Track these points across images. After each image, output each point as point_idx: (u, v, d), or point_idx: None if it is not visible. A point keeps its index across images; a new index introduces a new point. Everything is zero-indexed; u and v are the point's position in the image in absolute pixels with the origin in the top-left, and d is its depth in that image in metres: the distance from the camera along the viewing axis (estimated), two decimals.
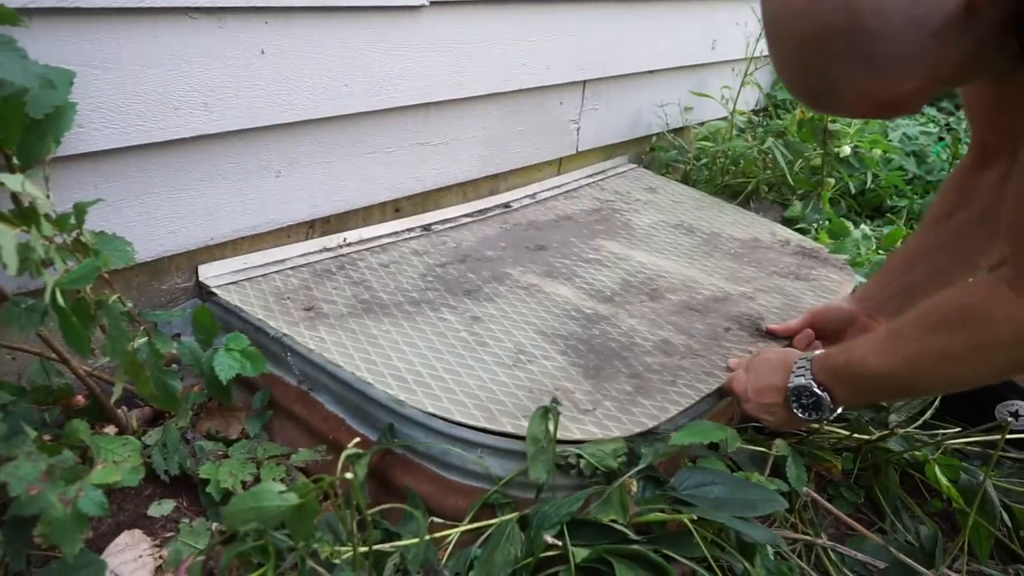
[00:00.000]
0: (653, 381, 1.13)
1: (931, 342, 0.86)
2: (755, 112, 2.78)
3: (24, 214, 0.79)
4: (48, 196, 0.81)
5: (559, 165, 2.09)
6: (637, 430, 1.01)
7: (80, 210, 0.86)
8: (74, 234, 0.87)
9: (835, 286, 1.51)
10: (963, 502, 1.05)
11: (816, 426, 1.18)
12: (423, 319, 1.26)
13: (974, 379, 0.85)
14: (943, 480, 1.06)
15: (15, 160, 0.89)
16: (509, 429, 0.98)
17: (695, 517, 0.87)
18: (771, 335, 1.29)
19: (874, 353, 0.93)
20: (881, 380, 0.93)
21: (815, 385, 0.98)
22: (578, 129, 2.05)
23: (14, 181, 0.75)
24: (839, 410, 1.01)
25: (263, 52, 1.25)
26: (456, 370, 1.12)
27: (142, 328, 0.98)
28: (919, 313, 0.91)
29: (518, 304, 1.34)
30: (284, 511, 0.66)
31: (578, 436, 0.98)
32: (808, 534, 1.06)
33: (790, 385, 1.00)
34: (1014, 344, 0.78)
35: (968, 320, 0.82)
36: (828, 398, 0.97)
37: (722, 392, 1.13)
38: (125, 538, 1.02)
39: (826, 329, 1.23)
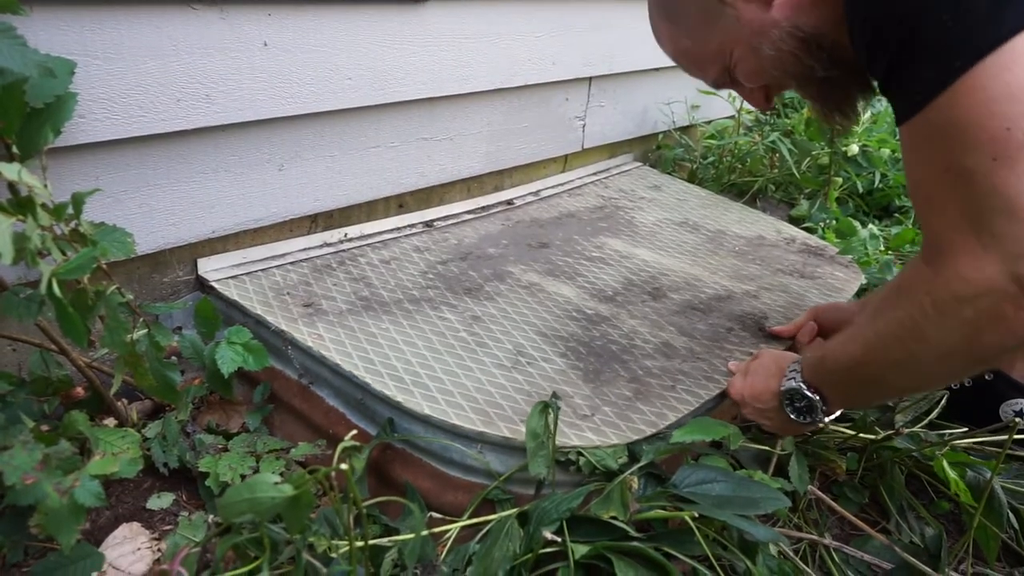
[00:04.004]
0: (652, 386, 1.11)
1: (877, 324, 0.87)
2: (763, 111, 2.76)
3: (21, 203, 0.78)
4: (46, 186, 0.81)
5: (564, 162, 2.08)
6: (635, 437, 0.99)
7: (78, 200, 0.86)
8: (72, 224, 0.86)
9: (841, 284, 1.50)
10: (971, 497, 1.03)
11: (816, 429, 1.17)
12: (423, 318, 1.25)
13: (927, 363, 0.82)
14: (951, 474, 1.04)
15: (15, 149, 0.89)
16: (506, 434, 0.97)
17: (696, 515, 0.86)
18: (774, 337, 1.27)
19: (840, 345, 0.94)
20: (849, 372, 0.92)
21: (805, 388, 0.97)
22: (584, 126, 2.04)
23: (10, 170, 0.74)
24: (835, 413, 1.00)
25: (266, 44, 1.25)
26: (455, 372, 1.11)
27: (142, 320, 0.98)
28: (873, 301, 0.92)
29: (519, 304, 1.33)
30: (279, 503, 0.65)
31: (576, 443, 0.97)
32: (812, 534, 1.04)
33: (782, 389, 1.00)
34: (936, 315, 0.78)
35: (899, 297, 0.84)
36: (819, 400, 0.96)
37: (723, 396, 1.12)
38: (123, 531, 1.01)
39: (828, 326, 1.22)
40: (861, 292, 1.52)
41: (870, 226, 1.95)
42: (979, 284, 0.73)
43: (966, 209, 0.74)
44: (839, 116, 0.96)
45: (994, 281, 0.72)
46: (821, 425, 1.02)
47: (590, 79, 1.98)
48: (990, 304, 0.73)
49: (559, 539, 0.85)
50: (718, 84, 1.02)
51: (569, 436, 0.98)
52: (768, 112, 2.76)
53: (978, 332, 0.75)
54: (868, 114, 2.23)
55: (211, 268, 1.33)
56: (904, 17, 0.74)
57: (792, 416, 0.99)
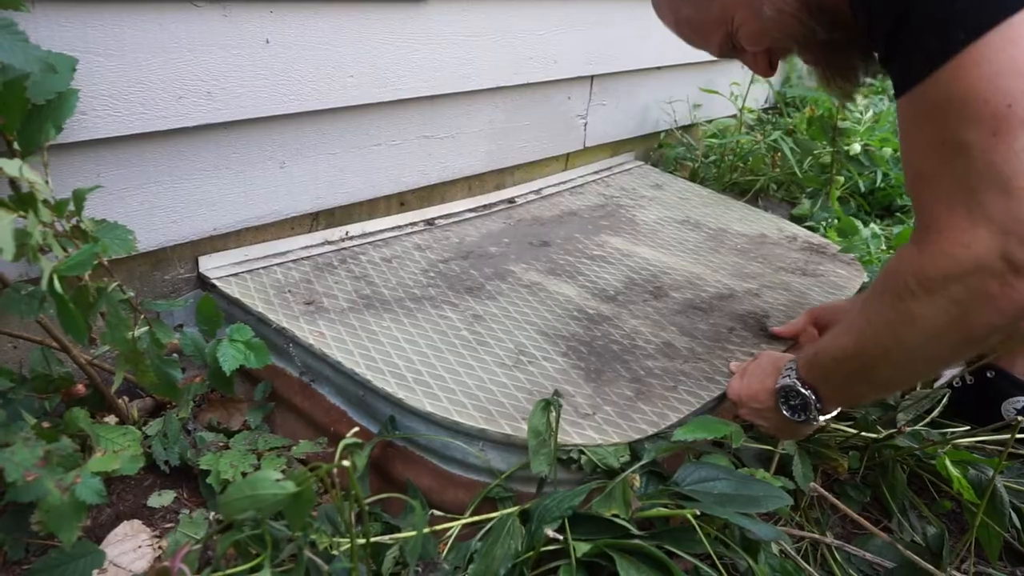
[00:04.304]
0: (654, 386, 1.11)
1: (867, 312, 0.86)
2: (765, 110, 2.76)
3: (22, 200, 0.78)
4: (47, 182, 0.81)
5: (566, 161, 2.08)
6: (637, 436, 0.99)
7: (79, 196, 0.85)
8: (74, 221, 0.86)
9: (843, 281, 1.50)
10: (973, 495, 1.03)
11: (812, 432, 1.15)
12: (424, 316, 1.25)
13: (917, 346, 0.81)
14: (953, 472, 1.03)
15: (16, 145, 0.89)
16: (507, 431, 0.97)
17: (698, 513, 0.85)
18: (775, 338, 1.27)
19: (832, 338, 0.93)
20: (841, 364, 0.91)
21: (799, 384, 0.96)
22: (585, 124, 2.04)
23: (12, 166, 0.74)
24: (831, 414, 0.99)
25: (268, 41, 1.25)
26: (456, 369, 1.11)
27: (143, 317, 0.97)
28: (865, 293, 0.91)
29: (520, 303, 1.33)
30: (281, 499, 0.65)
31: (578, 441, 0.97)
32: (814, 532, 1.04)
33: (777, 386, 0.99)
34: (923, 293, 0.76)
35: (888, 282, 0.82)
36: (813, 397, 0.95)
37: (724, 397, 1.12)
38: (124, 528, 1.01)
39: (828, 327, 1.21)
40: (863, 290, 1.52)
41: (872, 225, 1.94)
42: (967, 261, 0.72)
43: (959, 184, 0.73)
44: (841, 80, 0.95)
45: (982, 258, 0.71)
46: (816, 425, 1.01)
47: (592, 77, 1.98)
48: (978, 282, 0.72)
49: (561, 537, 0.84)
50: (722, 52, 1.01)
51: (571, 434, 0.98)
52: (770, 111, 2.76)
53: (966, 311, 0.74)
54: (871, 113, 2.22)
55: (212, 266, 1.33)
56: None
57: (787, 414, 0.98)
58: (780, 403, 0.99)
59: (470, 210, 1.74)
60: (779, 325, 1.28)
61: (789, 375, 0.98)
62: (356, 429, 0.77)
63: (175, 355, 1.08)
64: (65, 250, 0.83)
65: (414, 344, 1.16)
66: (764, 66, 1.00)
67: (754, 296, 1.41)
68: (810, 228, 1.97)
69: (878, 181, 2.22)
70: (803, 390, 0.96)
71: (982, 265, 0.71)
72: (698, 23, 0.99)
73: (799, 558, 0.97)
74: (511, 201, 1.82)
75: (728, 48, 0.99)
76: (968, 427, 1.18)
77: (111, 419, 1.12)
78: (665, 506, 0.89)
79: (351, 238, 1.53)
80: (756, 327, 1.30)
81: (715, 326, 1.29)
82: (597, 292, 1.39)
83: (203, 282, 1.33)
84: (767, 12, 0.89)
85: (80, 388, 1.10)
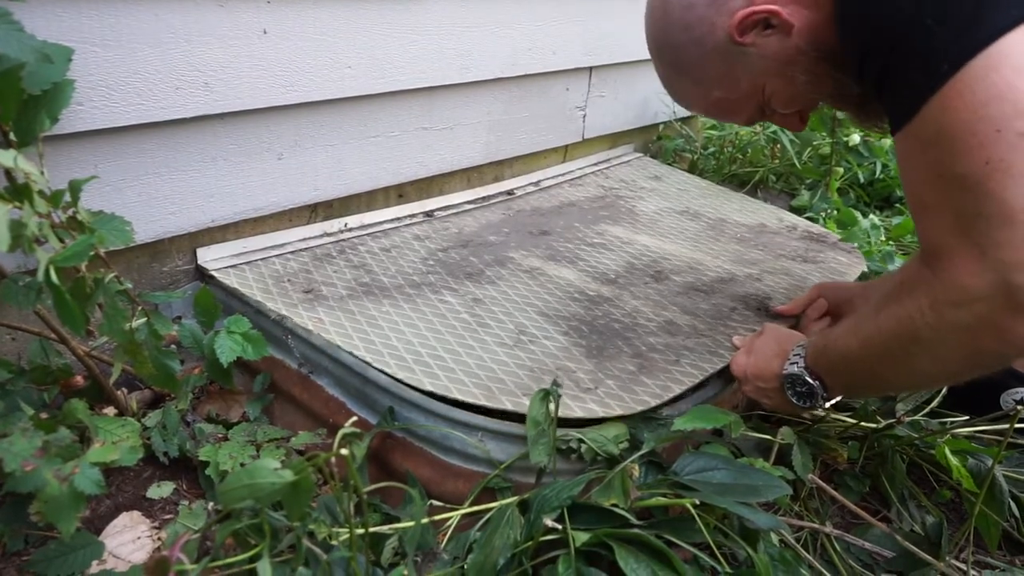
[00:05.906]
0: (656, 361, 1.12)
1: (878, 319, 0.86)
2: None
3: (18, 191, 0.78)
4: (43, 173, 0.80)
5: (565, 152, 2.07)
6: (639, 408, 0.99)
7: (75, 187, 0.85)
8: (70, 212, 0.86)
9: (844, 268, 1.50)
10: (972, 483, 1.03)
11: (820, 413, 1.17)
12: (423, 301, 1.25)
13: (923, 363, 0.82)
14: (953, 460, 1.04)
15: (12, 136, 0.89)
16: (508, 407, 0.97)
17: (697, 502, 0.85)
18: (779, 317, 1.27)
19: (842, 336, 0.94)
20: (847, 364, 0.92)
21: (807, 374, 0.97)
22: (584, 116, 2.03)
23: (6, 157, 0.74)
24: (835, 399, 1.00)
25: (265, 32, 1.24)
26: (456, 350, 1.11)
27: (141, 309, 0.97)
28: (877, 293, 0.93)
29: (520, 287, 1.33)
30: (279, 488, 0.65)
31: (579, 414, 0.97)
32: (813, 522, 1.04)
33: (784, 373, 1.00)
34: (933, 319, 0.77)
35: (900, 294, 0.83)
36: (820, 387, 0.97)
37: (728, 370, 1.12)
38: (124, 519, 1.01)
39: (833, 305, 1.22)
40: (863, 278, 1.52)
41: (871, 216, 1.95)
42: (975, 291, 0.73)
43: (961, 215, 0.73)
44: (877, 120, 0.96)
45: (990, 288, 0.71)
46: (822, 413, 1.02)
47: (591, 69, 1.97)
48: (986, 311, 0.72)
49: (560, 527, 0.84)
50: (751, 120, 1.03)
51: (573, 408, 0.98)
52: None
53: (974, 338, 0.75)
54: None
55: (211, 257, 1.33)
56: (890, 27, 0.74)
57: (793, 400, 1.00)
58: (786, 388, 1.00)
59: (469, 202, 1.74)
60: (781, 305, 1.28)
61: (797, 362, 0.99)
62: (354, 419, 0.77)
63: (173, 347, 1.07)
64: (62, 241, 0.82)
65: (413, 327, 1.17)
66: (796, 123, 1.01)
67: (755, 280, 1.41)
68: (809, 219, 1.97)
69: (877, 172, 2.22)
70: (810, 380, 0.97)
71: (991, 295, 0.72)
72: (730, 102, 0.99)
73: (799, 547, 0.97)
74: (510, 193, 1.82)
75: (758, 115, 1.01)
76: (967, 417, 1.18)
77: (110, 410, 1.12)
78: (664, 495, 0.89)
79: (350, 229, 1.52)
80: (757, 308, 1.30)
81: (717, 306, 1.30)
82: (597, 276, 1.39)
83: (201, 274, 1.32)
84: (801, 77, 0.90)
85: (79, 379, 1.10)
